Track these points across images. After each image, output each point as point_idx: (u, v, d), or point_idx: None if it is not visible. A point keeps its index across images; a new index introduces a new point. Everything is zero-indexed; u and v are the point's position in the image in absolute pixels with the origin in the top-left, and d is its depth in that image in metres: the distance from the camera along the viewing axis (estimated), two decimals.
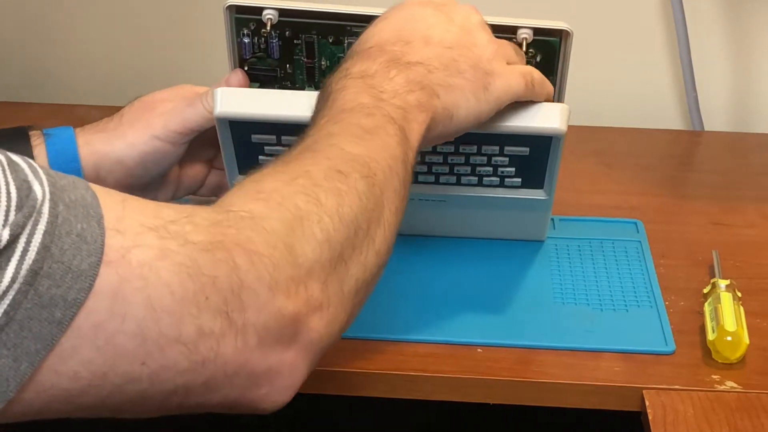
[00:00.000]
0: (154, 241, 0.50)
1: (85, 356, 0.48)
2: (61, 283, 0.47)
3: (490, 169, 0.84)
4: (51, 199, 0.48)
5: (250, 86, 0.83)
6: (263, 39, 0.82)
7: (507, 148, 0.82)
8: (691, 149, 1.22)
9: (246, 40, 0.82)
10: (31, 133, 0.80)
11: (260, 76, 0.84)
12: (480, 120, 0.72)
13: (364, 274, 0.60)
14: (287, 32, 0.82)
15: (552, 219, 0.94)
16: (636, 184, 1.07)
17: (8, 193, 0.47)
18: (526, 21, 0.79)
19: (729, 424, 0.73)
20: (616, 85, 1.26)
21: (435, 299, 0.86)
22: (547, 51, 0.80)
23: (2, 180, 0.47)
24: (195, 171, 0.86)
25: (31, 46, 1.30)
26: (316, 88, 0.84)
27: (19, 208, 0.47)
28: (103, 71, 1.30)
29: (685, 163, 1.20)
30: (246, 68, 0.83)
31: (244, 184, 0.59)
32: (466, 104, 0.70)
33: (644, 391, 0.76)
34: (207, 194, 0.88)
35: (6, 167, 0.48)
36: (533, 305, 0.85)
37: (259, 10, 0.80)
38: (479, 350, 0.80)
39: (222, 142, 0.81)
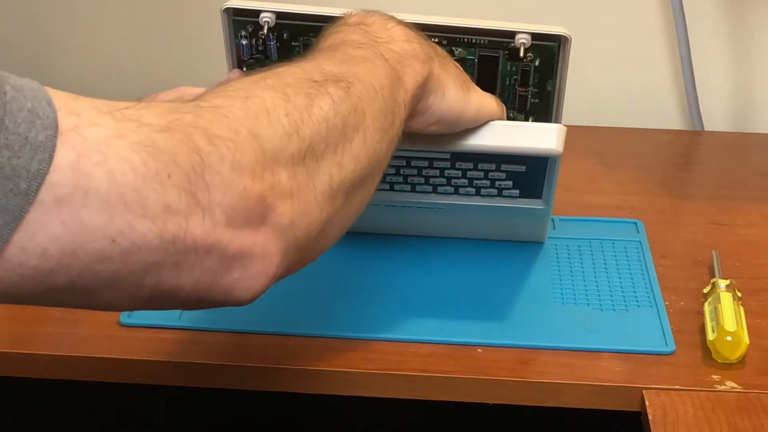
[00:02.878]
0: (110, 122, 0.50)
1: (51, 232, 0.48)
2: (21, 154, 0.47)
3: (488, 182, 0.84)
4: None
5: None
6: (261, 41, 0.82)
7: (504, 166, 0.82)
8: (691, 149, 1.22)
9: (244, 42, 0.82)
10: None
11: None
12: (463, 118, 0.73)
13: (339, 175, 0.59)
14: (285, 34, 0.82)
15: (552, 219, 0.94)
16: (636, 184, 1.07)
17: None
18: (525, 26, 0.79)
19: (729, 424, 0.73)
20: (616, 85, 1.26)
21: (435, 299, 0.85)
22: (545, 55, 0.80)
23: None
24: None
25: (31, 46, 1.30)
26: None
27: None
28: (103, 71, 1.30)
29: (685, 163, 1.20)
30: (244, 69, 0.83)
31: (211, 87, 0.59)
32: (455, 89, 0.71)
33: (644, 391, 0.76)
34: None
35: None
36: (533, 305, 0.85)
37: (256, 13, 0.80)
38: (479, 350, 0.80)
39: None
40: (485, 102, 0.75)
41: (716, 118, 1.25)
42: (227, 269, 0.54)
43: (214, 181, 0.52)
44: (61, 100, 0.50)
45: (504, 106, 0.78)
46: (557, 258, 0.92)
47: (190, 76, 1.27)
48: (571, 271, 0.90)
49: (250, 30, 0.81)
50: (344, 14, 0.72)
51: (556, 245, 0.93)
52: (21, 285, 0.49)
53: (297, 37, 0.82)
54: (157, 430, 1.07)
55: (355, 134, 0.60)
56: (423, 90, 0.68)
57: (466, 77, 0.74)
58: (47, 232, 0.48)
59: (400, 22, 0.70)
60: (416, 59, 0.68)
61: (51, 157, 0.47)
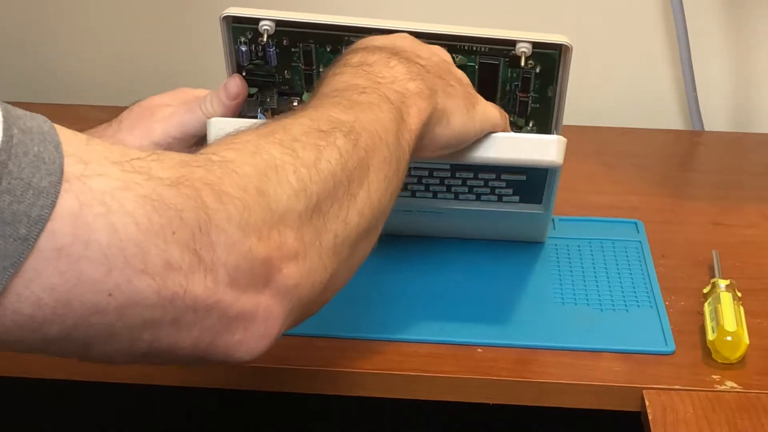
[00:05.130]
0: (117, 173, 0.49)
1: (48, 281, 0.47)
2: (22, 199, 0.46)
3: (488, 189, 0.84)
4: (4, 122, 0.47)
5: (249, 91, 0.83)
6: (260, 47, 0.81)
7: (504, 175, 0.82)
8: (691, 149, 1.22)
9: (243, 48, 0.81)
10: None
11: (258, 82, 0.84)
12: (468, 135, 0.73)
13: (345, 231, 0.59)
14: (284, 41, 0.81)
15: (552, 219, 0.94)
16: (636, 184, 1.07)
17: None
18: (525, 35, 0.78)
19: (729, 424, 0.73)
20: (616, 85, 1.26)
21: (435, 299, 0.86)
22: (546, 62, 0.79)
23: None
24: None
25: (32, 46, 1.30)
26: None
27: None
28: (103, 71, 1.30)
29: (685, 163, 1.20)
30: (244, 74, 0.83)
31: (220, 138, 0.59)
32: (459, 113, 0.71)
33: (644, 391, 0.76)
34: None
35: None
36: (533, 305, 0.85)
37: (255, 21, 0.80)
38: (479, 350, 0.80)
39: None
40: (488, 114, 0.74)
41: (716, 118, 1.25)
42: (228, 330, 0.54)
43: (219, 240, 0.52)
44: (71, 145, 0.49)
45: (506, 114, 0.78)
46: (557, 258, 0.92)
47: (190, 75, 1.27)
48: (571, 271, 0.90)
49: (250, 36, 0.81)
50: (345, 52, 0.72)
51: (556, 245, 0.93)
52: (15, 331, 0.48)
53: (297, 43, 0.81)
54: (157, 430, 1.07)
55: (360, 189, 0.60)
56: (427, 125, 0.68)
57: (469, 92, 0.73)
58: (43, 281, 0.47)
59: (401, 59, 0.69)
60: (420, 97, 0.67)
61: (53, 203, 0.47)
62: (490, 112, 0.75)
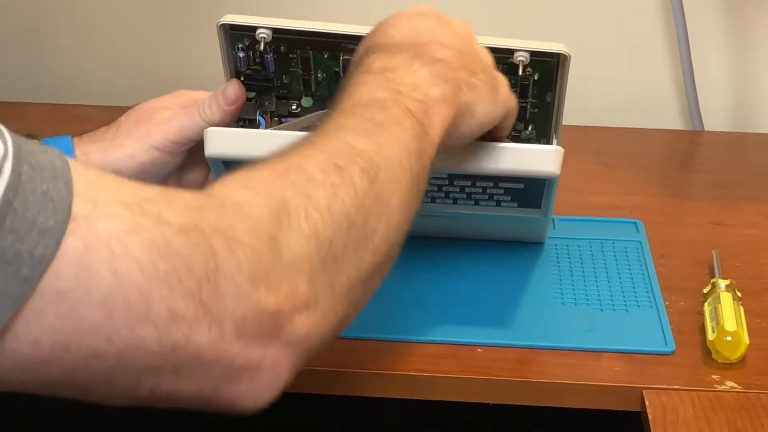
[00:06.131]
0: (126, 215, 0.48)
1: (47, 323, 0.47)
2: (25, 238, 0.45)
3: (486, 196, 0.83)
4: (14, 158, 0.46)
5: (247, 95, 0.83)
6: (258, 53, 0.81)
7: (502, 183, 0.82)
8: (691, 149, 1.22)
9: (241, 54, 0.81)
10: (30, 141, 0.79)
11: (256, 86, 0.84)
12: (493, 122, 0.71)
13: (358, 273, 0.57)
14: (282, 47, 0.81)
15: (552, 219, 0.94)
16: (636, 184, 1.07)
17: None
18: (523, 44, 0.78)
19: (729, 424, 0.73)
20: (616, 85, 1.26)
21: (435, 299, 0.85)
22: (544, 70, 0.79)
23: None
24: (194, 175, 0.86)
25: (31, 46, 1.30)
26: (313, 98, 0.84)
27: None
28: (103, 71, 1.30)
29: (685, 163, 1.20)
30: (242, 78, 0.83)
31: (235, 173, 0.57)
32: (483, 103, 0.69)
33: (644, 391, 0.76)
34: None
35: None
36: (533, 305, 0.85)
37: (252, 29, 0.79)
38: (479, 350, 0.80)
39: (215, 172, 0.81)
40: (509, 97, 0.73)
41: (716, 118, 1.25)
42: (233, 380, 0.52)
43: (228, 291, 0.50)
44: (82, 182, 0.48)
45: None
46: (557, 258, 0.92)
47: (190, 74, 1.27)
48: (571, 272, 0.90)
49: (247, 43, 0.80)
50: (366, 47, 0.69)
51: (556, 245, 0.93)
52: (14, 371, 0.48)
53: (294, 50, 0.81)
54: (157, 429, 1.07)
55: (378, 223, 0.58)
56: (451, 127, 0.67)
57: (492, 76, 0.71)
58: (42, 323, 0.47)
59: (425, 60, 0.67)
60: (443, 102, 0.66)
61: (58, 243, 0.46)
62: (510, 94, 0.73)
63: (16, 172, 0.46)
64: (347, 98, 0.65)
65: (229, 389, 0.53)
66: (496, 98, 0.71)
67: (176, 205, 0.51)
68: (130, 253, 0.48)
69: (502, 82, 0.72)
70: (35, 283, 0.46)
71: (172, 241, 0.49)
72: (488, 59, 0.72)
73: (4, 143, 0.47)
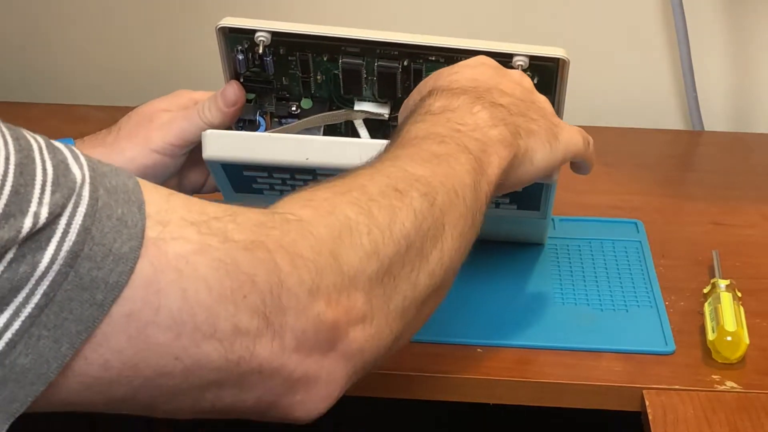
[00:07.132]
0: (194, 236, 0.50)
1: (116, 345, 0.48)
2: (102, 265, 0.46)
3: None
4: (91, 183, 0.47)
5: (247, 97, 0.83)
6: (257, 56, 0.81)
7: None
8: (691, 149, 1.22)
9: (240, 56, 0.81)
10: None
11: (256, 88, 0.84)
12: (551, 169, 0.71)
13: (413, 293, 0.59)
14: (281, 50, 0.81)
15: (552, 219, 0.94)
16: (636, 184, 1.07)
17: (44, 170, 0.46)
18: (523, 48, 0.78)
19: (729, 424, 0.73)
20: (616, 85, 1.26)
21: None
22: (544, 74, 0.79)
23: (39, 158, 0.46)
24: (195, 176, 0.86)
25: (31, 46, 1.30)
26: (313, 100, 0.84)
27: (55, 185, 0.46)
28: (103, 71, 1.30)
29: (685, 163, 1.20)
30: (241, 80, 0.83)
31: (297, 192, 0.59)
32: (542, 150, 0.70)
33: (644, 391, 0.76)
34: (210, 191, 0.87)
35: (44, 148, 0.47)
36: (533, 305, 0.85)
37: (251, 32, 0.79)
38: (479, 350, 0.80)
39: (213, 174, 0.81)
40: (570, 143, 0.72)
41: (716, 118, 1.25)
42: (291, 391, 0.54)
43: (290, 305, 0.52)
44: (153, 204, 0.49)
45: (590, 137, 0.76)
46: (557, 258, 0.92)
47: (189, 74, 1.27)
48: (571, 272, 0.90)
49: (247, 45, 0.80)
50: (427, 89, 0.70)
51: (556, 245, 0.93)
52: (82, 393, 0.49)
53: (293, 52, 0.81)
54: (157, 426, 1.07)
55: (434, 248, 0.59)
56: (508, 170, 0.67)
57: (551, 123, 0.71)
58: (111, 345, 0.48)
59: (485, 103, 0.68)
60: (502, 144, 0.66)
61: (132, 269, 0.47)
62: (572, 139, 0.73)
63: (93, 198, 0.47)
64: (405, 133, 0.66)
65: (286, 400, 0.54)
66: (555, 145, 0.71)
67: (242, 222, 0.52)
68: (198, 272, 0.49)
69: (564, 128, 0.72)
70: (108, 309, 0.47)
71: (238, 259, 0.50)
72: (548, 107, 0.73)
73: (81, 168, 0.48)
